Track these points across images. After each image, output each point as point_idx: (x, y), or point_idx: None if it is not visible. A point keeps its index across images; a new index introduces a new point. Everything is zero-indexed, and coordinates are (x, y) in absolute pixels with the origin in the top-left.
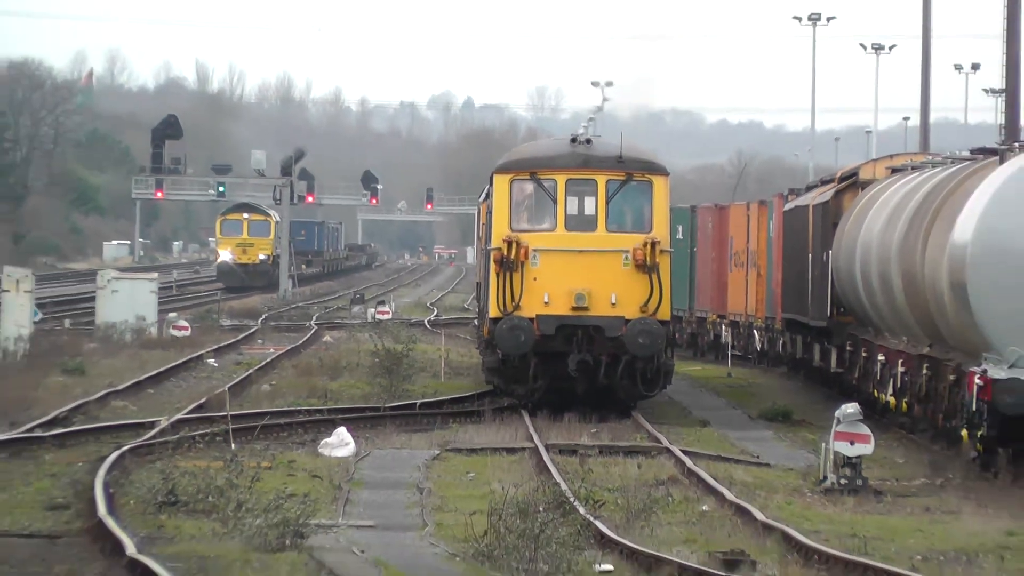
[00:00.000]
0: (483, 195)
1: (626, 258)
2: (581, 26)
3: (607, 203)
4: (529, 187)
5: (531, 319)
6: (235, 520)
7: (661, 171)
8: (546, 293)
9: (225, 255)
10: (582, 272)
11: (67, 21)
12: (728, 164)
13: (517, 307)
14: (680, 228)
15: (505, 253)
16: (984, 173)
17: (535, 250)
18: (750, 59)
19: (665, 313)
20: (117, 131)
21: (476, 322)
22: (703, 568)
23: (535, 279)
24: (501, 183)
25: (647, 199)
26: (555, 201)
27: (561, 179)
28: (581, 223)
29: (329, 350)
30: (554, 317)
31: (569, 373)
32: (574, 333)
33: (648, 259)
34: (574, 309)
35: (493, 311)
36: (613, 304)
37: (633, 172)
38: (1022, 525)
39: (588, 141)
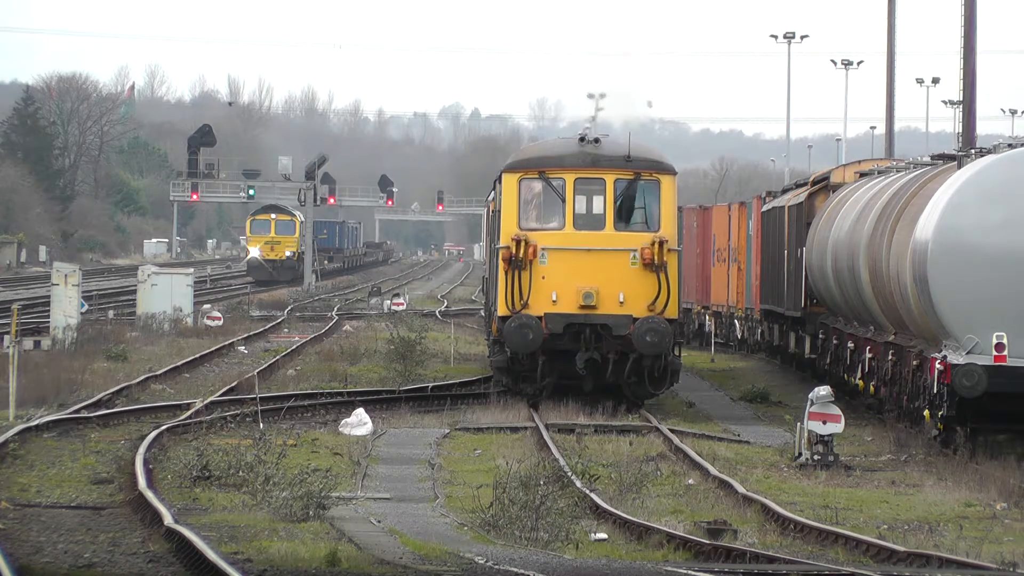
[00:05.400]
0: (490, 196)
1: (634, 257)
2: (578, 43)
3: (615, 202)
4: (538, 186)
5: (539, 317)
6: (263, 493)
7: (669, 170)
8: (554, 292)
9: (254, 252)
10: (590, 271)
11: (111, 39)
12: (711, 169)
13: (525, 305)
14: None
15: (514, 252)
16: (944, 177)
17: (543, 249)
18: (731, 73)
19: (673, 311)
20: (157, 139)
21: (483, 313)
22: (689, 536)
23: (543, 277)
24: (510, 182)
25: (655, 198)
26: (564, 200)
27: (570, 178)
28: (589, 222)
29: (349, 338)
30: (562, 315)
31: (577, 371)
32: (582, 331)
33: (656, 258)
34: (582, 307)
35: (502, 309)
36: (621, 303)
37: (641, 171)
38: (979, 497)
39: (596, 140)
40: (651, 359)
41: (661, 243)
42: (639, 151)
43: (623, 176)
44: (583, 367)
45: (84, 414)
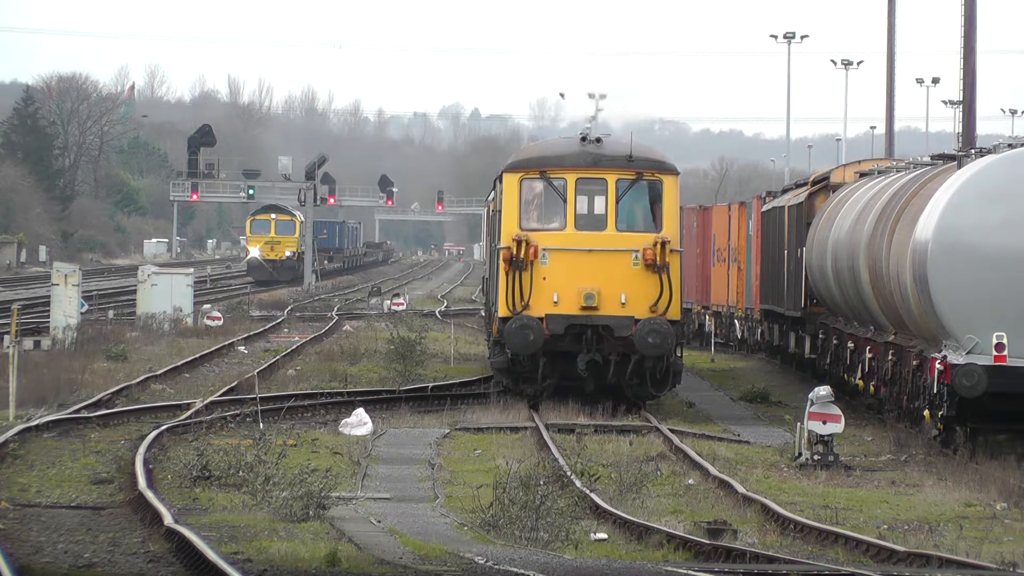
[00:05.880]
0: (490, 196)
1: (636, 258)
2: (578, 43)
3: (617, 202)
4: (539, 186)
5: (540, 318)
6: (263, 493)
7: (671, 170)
8: (555, 292)
9: (254, 252)
10: (592, 271)
11: (111, 39)
12: (711, 169)
13: (526, 306)
14: None
15: (514, 252)
16: (944, 177)
17: (545, 249)
18: (731, 74)
19: (675, 313)
20: (157, 139)
21: (483, 314)
22: (689, 536)
23: (544, 278)
24: (511, 182)
25: (657, 198)
26: (565, 200)
27: (571, 178)
28: (591, 222)
29: (349, 338)
30: (563, 316)
31: (578, 372)
32: (583, 333)
33: (658, 259)
34: (583, 309)
35: (502, 310)
36: (623, 304)
37: (643, 171)
38: (979, 497)
39: (598, 140)
40: (653, 360)
41: (663, 244)
42: (641, 151)
43: (625, 176)
44: (584, 368)
45: (84, 414)
